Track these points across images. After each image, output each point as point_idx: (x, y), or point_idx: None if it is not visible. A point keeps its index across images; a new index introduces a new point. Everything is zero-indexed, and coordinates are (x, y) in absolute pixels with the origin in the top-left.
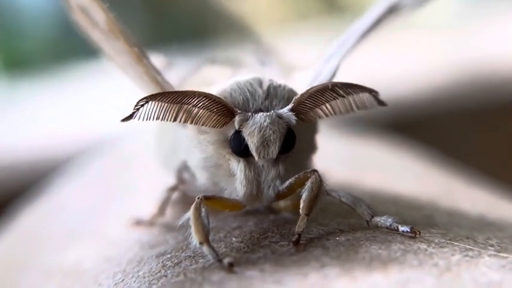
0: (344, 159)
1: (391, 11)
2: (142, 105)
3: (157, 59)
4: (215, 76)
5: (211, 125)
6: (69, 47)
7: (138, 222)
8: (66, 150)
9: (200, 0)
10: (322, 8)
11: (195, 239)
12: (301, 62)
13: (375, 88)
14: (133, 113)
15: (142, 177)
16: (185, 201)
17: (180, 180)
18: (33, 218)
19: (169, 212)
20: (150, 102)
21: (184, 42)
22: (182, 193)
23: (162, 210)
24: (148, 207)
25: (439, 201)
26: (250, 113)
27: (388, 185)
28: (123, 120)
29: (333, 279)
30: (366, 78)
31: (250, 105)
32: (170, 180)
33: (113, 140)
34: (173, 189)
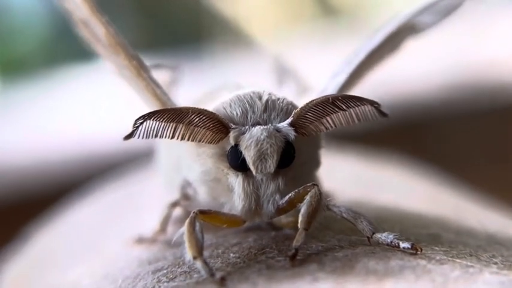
0: (355, 178)
1: (407, 30)
2: (141, 123)
3: (162, 75)
4: (221, 91)
5: (207, 141)
6: (64, 50)
7: (140, 240)
8: (61, 153)
9: (195, 3)
10: (316, 12)
11: (188, 254)
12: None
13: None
14: (133, 131)
15: (149, 196)
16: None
17: (184, 196)
18: (44, 240)
19: (171, 229)
20: (147, 121)
21: (179, 46)
22: (185, 210)
23: (163, 226)
24: (151, 225)
25: (447, 220)
26: (247, 127)
27: (396, 204)
28: (125, 138)
29: None
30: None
31: (248, 118)
32: (173, 197)
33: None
34: (174, 204)
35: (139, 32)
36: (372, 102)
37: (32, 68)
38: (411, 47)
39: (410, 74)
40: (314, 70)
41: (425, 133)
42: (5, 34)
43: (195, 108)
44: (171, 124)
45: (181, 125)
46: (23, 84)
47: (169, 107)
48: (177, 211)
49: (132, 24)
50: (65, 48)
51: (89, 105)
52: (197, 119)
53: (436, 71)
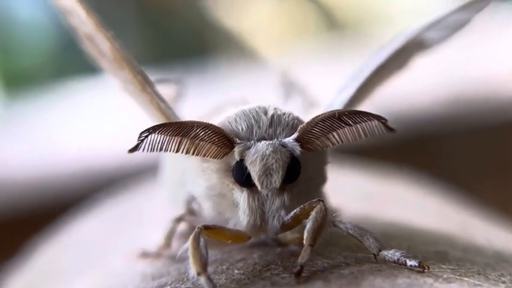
0: (361, 194)
1: (415, 47)
2: (146, 137)
3: (167, 89)
4: (227, 105)
5: (212, 155)
6: (69, 63)
7: (144, 255)
8: (66, 166)
9: (199, 17)
10: (321, 26)
11: (192, 270)
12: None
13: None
14: (138, 144)
15: (154, 211)
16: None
17: (189, 211)
18: (49, 254)
19: (176, 245)
20: (152, 134)
21: (184, 60)
22: (190, 225)
23: (168, 241)
24: (156, 240)
25: (455, 237)
26: (252, 142)
27: (403, 220)
28: (130, 151)
29: None
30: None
31: (254, 133)
32: (178, 211)
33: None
34: (179, 219)
35: (144, 45)
36: (378, 118)
37: (37, 82)
38: (417, 61)
39: (415, 88)
40: (319, 84)
41: (431, 148)
42: (10, 47)
43: (200, 122)
44: (176, 138)
45: (186, 139)
46: (27, 97)
47: (174, 121)
48: (182, 226)
49: (137, 38)
50: (70, 61)
51: (94, 119)
52: (202, 133)
53: (442, 85)
